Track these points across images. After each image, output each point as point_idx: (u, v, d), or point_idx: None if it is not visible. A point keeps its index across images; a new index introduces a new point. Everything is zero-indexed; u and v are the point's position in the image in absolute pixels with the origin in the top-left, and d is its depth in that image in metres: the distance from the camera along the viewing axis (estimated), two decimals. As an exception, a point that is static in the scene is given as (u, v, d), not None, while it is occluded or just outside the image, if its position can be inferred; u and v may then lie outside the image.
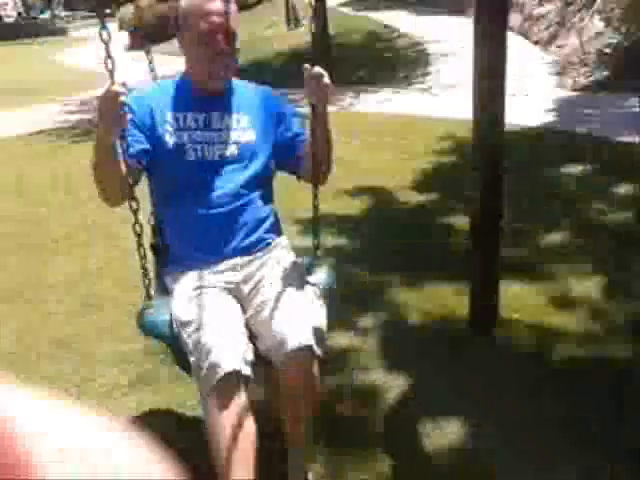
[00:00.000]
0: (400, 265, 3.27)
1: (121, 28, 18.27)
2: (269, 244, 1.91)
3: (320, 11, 10.12)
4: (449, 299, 2.86)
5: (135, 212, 1.72)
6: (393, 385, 2.36)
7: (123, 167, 1.68)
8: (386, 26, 12.23)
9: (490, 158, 2.57)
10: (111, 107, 1.56)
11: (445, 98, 7.07)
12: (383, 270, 3.23)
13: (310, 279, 1.87)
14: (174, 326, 1.75)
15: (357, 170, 4.78)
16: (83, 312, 3.06)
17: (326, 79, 1.82)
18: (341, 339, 2.64)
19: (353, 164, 4.93)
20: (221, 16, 1.78)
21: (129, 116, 1.64)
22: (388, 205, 4.21)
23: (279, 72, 9.60)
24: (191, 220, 1.83)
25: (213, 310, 1.72)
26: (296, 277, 1.83)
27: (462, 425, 2.12)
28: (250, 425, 1.59)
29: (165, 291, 1.88)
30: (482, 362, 2.46)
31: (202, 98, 1.88)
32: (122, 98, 1.55)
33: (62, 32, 20.08)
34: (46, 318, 3.03)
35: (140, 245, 1.77)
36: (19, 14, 30.55)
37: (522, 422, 2.12)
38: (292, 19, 13.74)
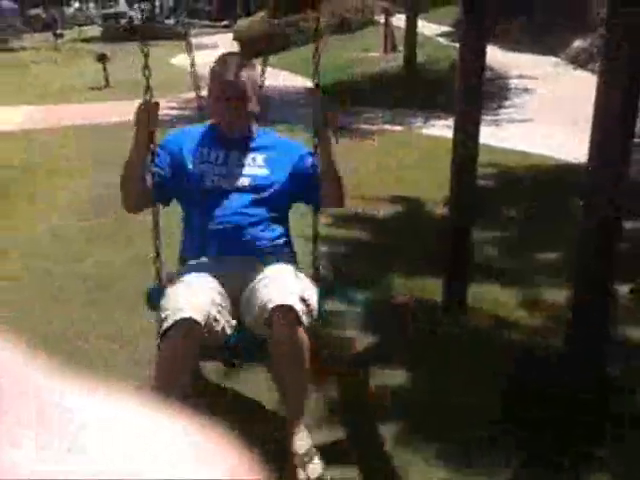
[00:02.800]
0: (403, 258, 3.84)
1: (234, 38, 19.58)
2: (273, 257, 2.14)
3: (411, 39, 10.79)
4: (430, 287, 3.41)
5: (155, 218, 2.20)
6: (366, 343, 2.96)
7: (147, 179, 2.12)
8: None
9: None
10: (142, 118, 2.05)
11: (510, 130, 7.53)
12: (388, 259, 3.82)
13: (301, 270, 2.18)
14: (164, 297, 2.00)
15: (399, 181, 5.40)
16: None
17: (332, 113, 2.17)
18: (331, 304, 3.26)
19: (397, 177, 5.55)
20: (232, 82, 2.14)
21: (160, 147, 2.13)
22: (415, 213, 4.77)
23: (361, 92, 10.28)
24: (201, 227, 2.16)
25: (195, 281, 2.02)
26: (291, 269, 2.10)
27: (409, 375, 2.69)
28: (183, 351, 1.87)
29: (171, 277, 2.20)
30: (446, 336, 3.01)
31: (224, 139, 2.24)
32: (152, 110, 2.06)
33: (182, 37, 21.67)
34: (116, 255, 3.83)
35: (155, 233, 2.21)
36: (148, 18, 32.83)
37: (455, 380, 2.66)
38: (389, 45, 14.43)
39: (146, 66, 2.15)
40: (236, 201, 2.16)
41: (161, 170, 2.17)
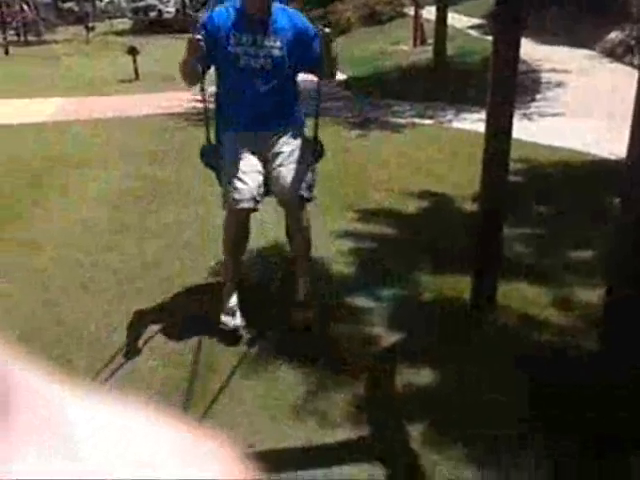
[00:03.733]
0: (432, 255, 3.79)
1: None
2: (289, 126, 2.95)
3: (441, 31, 10.67)
4: (459, 284, 3.36)
5: (202, 84, 2.86)
6: (393, 340, 2.93)
7: (198, 67, 2.76)
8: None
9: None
10: (192, 45, 2.66)
11: (541, 124, 7.40)
12: (417, 255, 3.78)
13: (308, 151, 2.96)
14: (220, 163, 2.90)
15: (428, 175, 5.33)
16: (175, 249, 3.85)
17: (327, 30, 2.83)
18: (359, 301, 3.24)
19: (427, 171, 5.49)
20: None
21: (201, 40, 2.68)
22: (445, 208, 4.71)
23: (390, 85, 10.21)
24: (238, 104, 2.88)
25: (244, 161, 2.82)
26: (301, 147, 2.93)
27: (437, 373, 2.66)
28: (245, 233, 2.90)
29: (218, 138, 2.98)
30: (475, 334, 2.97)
31: (251, 22, 2.83)
32: (198, 40, 2.67)
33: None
34: (145, 248, 3.86)
35: (205, 107, 2.97)
36: (177, 10, 33.01)
37: (483, 378, 2.62)
38: (418, 37, 14.29)
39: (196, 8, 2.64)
40: (263, 79, 2.84)
41: (206, 45, 2.71)
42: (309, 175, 2.93)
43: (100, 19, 31.06)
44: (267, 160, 2.89)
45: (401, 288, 3.41)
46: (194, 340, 2.88)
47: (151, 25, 27.01)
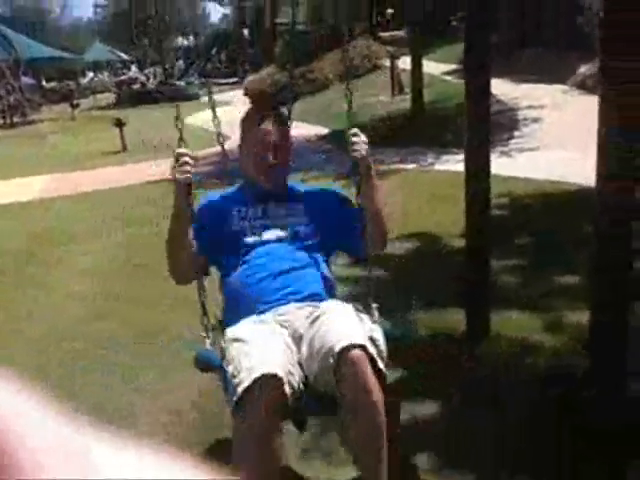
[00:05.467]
0: (424, 292, 3.88)
1: (245, 94, 20.05)
2: (319, 300, 2.01)
3: (417, 80, 10.99)
4: (453, 318, 3.44)
5: (201, 283, 2.08)
6: (393, 377, 2.98)
7: (191, 246, 2.00)
8: (484, 93, 12.81)
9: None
10: (178, 171, 1.96)
11: (519, 159, 7.61)
12: (409, 294, 3.87)
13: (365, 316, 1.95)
14: (222, 344, 1.89)
15: (415, 217, 5.47)
16: (172, 314, 3.91)
17: (363, 137, 2.07)
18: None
19: (413, 213, 5.63)
20: (270, 135, 2.13)
21: (190, 165, 1.96)
22: (433, 247, 4.82)
23: (372, 135, 10.42)
24: (247, 282, 2.03)
25: (262, 338, 1.80)
26: (350, 307, 1.96)
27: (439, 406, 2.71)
28: (279, 443, 1.64)
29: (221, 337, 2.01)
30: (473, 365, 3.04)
31: (260, 194, 2.18)
32: (186, 156, 1.96)
33: (195, 97, 22.24)
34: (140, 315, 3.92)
35: (202, 299, 2.07)
36: (160, 82, 33.84)
37: (486, 408, 2.67)
38: (396, 87, 14.69)
39: (177, 117, 2.12)
40: (279, 250, 2.09)
41: (200, 240, 2.04)
42: (375, 332, 1.87)
43: (84, 95, 31.73)
44: (297, 340, 1.90)
45: (397, 327, 3.48)
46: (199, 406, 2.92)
47: (135, 97, 27.60)
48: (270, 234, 2.12)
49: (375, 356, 1.69)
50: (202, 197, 2.24)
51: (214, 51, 38.41)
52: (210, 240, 2.10)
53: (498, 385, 2.83)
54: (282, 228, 2.14)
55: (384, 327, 1.99)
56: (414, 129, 10.11)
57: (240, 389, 1.63)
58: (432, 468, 2.34)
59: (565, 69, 13.44)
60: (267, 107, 2.25)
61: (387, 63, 16.71)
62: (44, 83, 33.77)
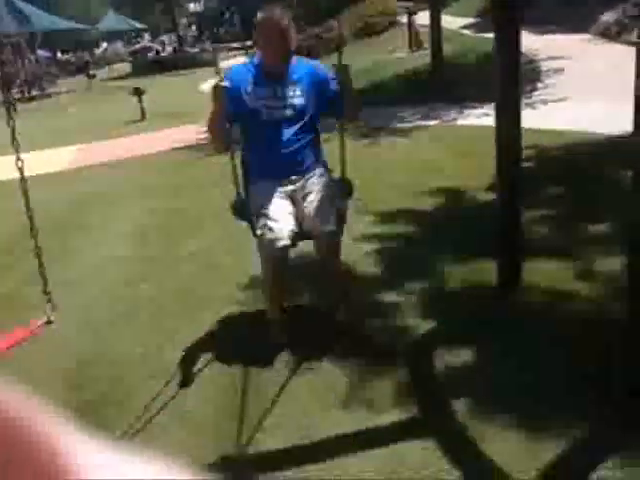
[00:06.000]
0: (454, 246, 3.91)
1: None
2: (314, 168, 3.00)
3: (436, 35, 10.82)
4: (485, 268, 3.47)
5: (229, 147, 2.94)
6: (427, 327, 3.04)
7: (226, 124, 2.88)
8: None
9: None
10: (217, 91, 2.82)
11: (544, 111, 7.50)
12: (438, 248, 3.90)
13: (337, 189, 2.99)
14: (251, 214, 2.92)
15: (439, 173, 5.47)
16: (206, 272, 3.99)
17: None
18: (389, 297, 3.36)
19: (438, 169, 5.62)
20: (274, 25, 2.84)
21: (227, 86, 2.81)
22: (458, 202, 4.83)
23: (395, 93, 10.36)
24: (264, 153, 2.95)
25: (275, 205, 2.85)
26: (328, 185, 2.96)
27: (473, 354, 2.76)
28: (284, 272, 2.90)
29: (247, 191, 3.03)
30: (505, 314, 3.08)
31: (269, 75, 2.93)
32: (223, 84, 2.81)
33: (209, 64, 22.13)
34: (177, 276, 4.00)
35: (233, 164, 2.93)
36: (174, 49, 33.65)
37: (519, 356, 2.72)
38: (414, 43, 14.48)
39: (216, 66, 3.03)
40: (286, 129, 2.91)
41: (228, 106, 2.83)
42: (340, 211, 2.96)
43: (99, 66, 31.68)
44: (297, 201, 2.93)
45: (429, 279, 3.53)
46: (242, 358, 3.00)
47: (150, 66, 27.49)
48: (279, 114, 2.91)
49: (335, 229, 2.86)
50: (229, 69, 3.07)
51: (227, 15, 37.97)
52: (235, 105, 2.86)
53: (531, 333, 2.86)
54: (287, 108, 2.92)
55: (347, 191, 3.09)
56: (435, 85, 9.99)
57: (265, 253, 2.84)
58: (470, 413, 2.39)
59: (585, 18, 13.14)
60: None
61: (404, 19, 16.45)
62: (59, 55, 33.75)
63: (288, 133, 2.92)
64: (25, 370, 2.88)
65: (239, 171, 3.03)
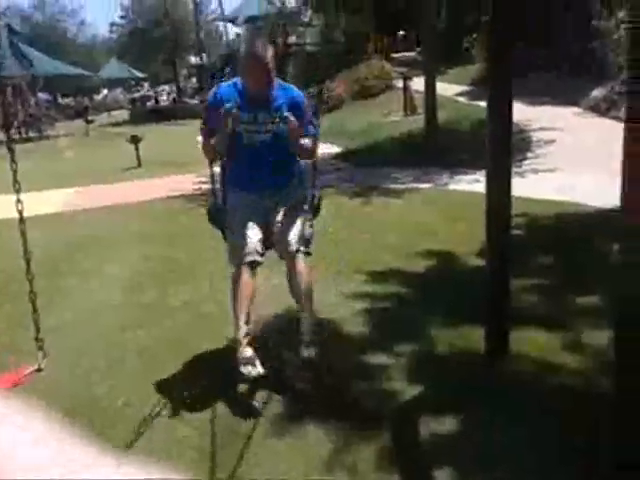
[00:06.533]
0: (443, 310, 3.92)
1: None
2: (289, 185, 3.30)
3: (430, 101, 11.08)
4: (472, 336, 3.48)
5: (211, 162, 3.30)
6: (413, 393, 3.03)
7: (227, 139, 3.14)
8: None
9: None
10: (229, 116, 3.08)
11: (534, 181, 7.65)
12: (429, 311, 3.91)
13: (306, 207, 3.30)
14: (226, 221, 3.22)
15: (431, 236, 5.53)
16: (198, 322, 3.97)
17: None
18: (376, 358, 3.35)
19: (430, 232, 5.69)
20: (257, 60, 3.01)
21: (234, 112, 3.06)
22: (449, 265, 4.87)
23: (389, 155, 10.55)
24: (242, 171, 3.23)
25: (248, 218, 3.14)
26: (298, 203, 3.28)
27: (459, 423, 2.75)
28: (252, 285, 3.04)
29: (224, 198, 3.32)
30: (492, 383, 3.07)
31: (252, 101, 3.11)
32: (233, 111, 3.08)
33: (208, 115, 22.52)
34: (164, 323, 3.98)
35: (211, 172, 3.33)
36: (173, 99, 34.19)
37: (504, 426, 2.71)
38: (409, 108, 14.81)
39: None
40: (265, 152, 3.17)
41: (212, 122, 3.14)
42: (307, 230, 3.24)
43: (98, 112, 32.08)
44: (270, 213, 3.22)
45: (416, 344, 3.52)
46: (221, 407, 2.97)
47: (149, 114, 27.86)
48: (259, 138, 3.16)
49: (302, 252, 3.15)
50: (216, 87, 3.27)
51: (227, 70, 38.75)
52: (219, 123, 3.09)
53: (519, 402, 2.86)
54: (267, 133, 3.15)
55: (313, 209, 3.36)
56: (428, 149, 10.20)
57: (235, 262, 3.11)
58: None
59: (578, 92, 13.53)
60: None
61: (399, 84, 16.85)
62: (60, 99, 34.18)
63: (267, 156, 3.17)
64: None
65: (217, 178, 3.35)
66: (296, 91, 3.28)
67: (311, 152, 3.30)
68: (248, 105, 3.11)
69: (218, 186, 3.36)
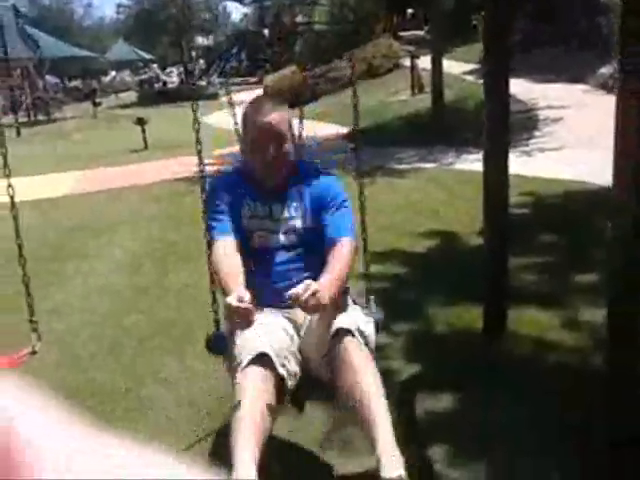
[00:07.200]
0: (444, 289, 3.93)
1: (263, 93, 20.15)
2: None
3: (437, 80, 11.01)
4: (471, 314, 3.48)
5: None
6: (412, 371, 3.04)
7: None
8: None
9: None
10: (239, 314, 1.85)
11: (541, 159, 7.61)
12: (429, 291, 3.92)
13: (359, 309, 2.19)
14: (231, 346, 2.02)
15: (434, 216, 5.53)
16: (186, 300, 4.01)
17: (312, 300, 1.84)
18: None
19: (433, 212, 5.68)
20: (267, 128, 2.09)
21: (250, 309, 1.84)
22: (451, 245, 4.87)
23: (396, 134, 10.51)
24: (253, 283, 2.02)
25: (267, 322, 2.01)
26: (347, 305, 2.12)
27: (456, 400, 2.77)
28: (267, 396, 1.83)
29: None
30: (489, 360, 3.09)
31: (264, 189, 2.20)
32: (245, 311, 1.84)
33: (214, 97, 22.34)
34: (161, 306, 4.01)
35: (213, 289, 2.39)
36: (181, 81, 34.09)
37: (501, 402, 2.72)
38: (416, 87, 14.71)
39: (195, 119, 2.42)
40: (282, 257, 2.18)
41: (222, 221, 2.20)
42: (363, 324, 2.07)
43: (106, 94, 32.06)
44: (296, 327, 2.14)
45: (416, 322, 3.54)
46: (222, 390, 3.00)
47: (156, 96, 27.82)
48: (274, 240, 2.20)
49: (360, 340, 1.94)
50: (213, 179, 2.46)
51: (234, 50, 38.57)
52: (230, 221, 2.19)
53: (515, 381, 2.87)
54: (285, 234, 2.20)
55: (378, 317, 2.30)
56: (434, 128, 10.14)
57: (241, 366, 1.89)
58: (447, 461, 2.38)
59: (583, 68, 13.38)
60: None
61: (407, 62, 16.72)
62: (67, 82, 34.17)
63: (285, 263, 2.19)
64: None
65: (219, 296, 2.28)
66: (327, 177, 2.30)
67: (342, 285, 2.07)
68: (260, 192, 2.22)
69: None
